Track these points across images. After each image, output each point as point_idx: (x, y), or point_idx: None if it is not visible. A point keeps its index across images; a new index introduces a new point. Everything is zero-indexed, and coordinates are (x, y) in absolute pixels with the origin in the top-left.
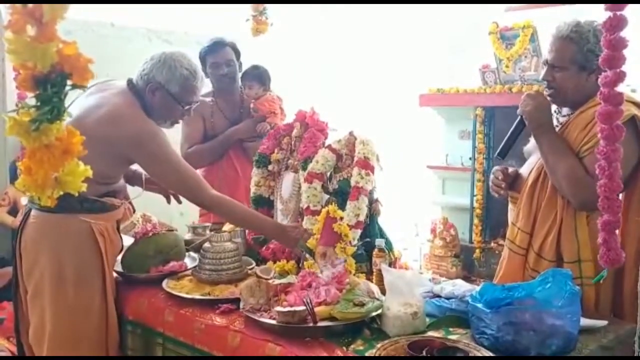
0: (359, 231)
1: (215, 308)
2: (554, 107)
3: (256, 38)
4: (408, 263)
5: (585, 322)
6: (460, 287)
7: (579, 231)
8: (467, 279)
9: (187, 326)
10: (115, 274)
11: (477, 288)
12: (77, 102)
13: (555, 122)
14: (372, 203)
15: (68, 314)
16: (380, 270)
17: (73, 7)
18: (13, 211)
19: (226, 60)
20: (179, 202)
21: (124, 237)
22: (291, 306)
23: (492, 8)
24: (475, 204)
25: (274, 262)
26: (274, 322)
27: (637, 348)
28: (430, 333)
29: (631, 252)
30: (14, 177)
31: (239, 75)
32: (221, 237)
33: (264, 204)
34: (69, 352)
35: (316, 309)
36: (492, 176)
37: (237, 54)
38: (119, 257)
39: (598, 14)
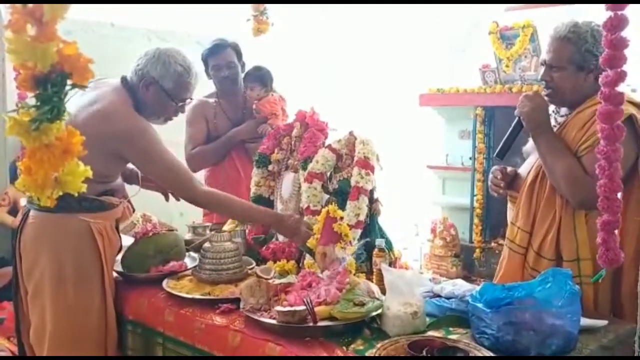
0: (359, 231)
1: (216, 308)
2: (552, 107)
3: (257, 38)
4: (408, 263)
5: (585, 321)
6: (461, 286)
7: (577, 230)
8: (467, 278)
9: (187, 326)
10: (115, 274)
11: (477, 288)
12: (71, 101)
13: (553, 122)
14: (372, 203)
15: (68, 314)
16: (380, 270)
17: (73, 7)
18: (13, 211)
19: (227, 62)
20: (177, 199)
21: (124, 237)
22: (291, 306)
23: (492, 8)
24: (476, 204)
25: (274, 262)
26: (274, 321)
27: (637, 348)
28: (431, 333)
29: (629, 251)
30: (14, 177)
31: (241, 76)
32: (221, 237)
33: (264, 203)
34: (69, 352)
35: (316, 309)
36: (490, 175)
37: (239, 54)
38: (119, 257)
39: (598, 13)
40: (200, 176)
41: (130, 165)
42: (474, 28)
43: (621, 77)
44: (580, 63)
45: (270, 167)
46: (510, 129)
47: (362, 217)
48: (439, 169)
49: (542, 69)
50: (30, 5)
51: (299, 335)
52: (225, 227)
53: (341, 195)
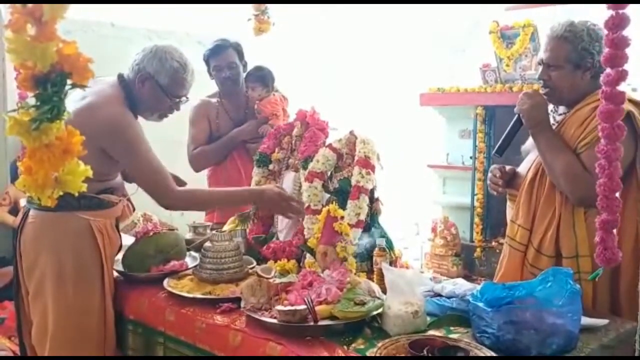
0: (360, 230)
1: (216, 307)
2: (550, 106)
3: (258, 38)
4: (409, 262)
5: (586, 321)
6: (461, 286)
7: (576, 227)
8: (467, 277)
9: (188, 325)
10: (116, 274)
11: (478, 287)
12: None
13: (552, 121)
14: (373, 202)
15: (70, 313)
16: (381, 269)
17: (73, 7)
18: (14, 211)
19: (228, 62)
20: None
21: (124, 236)
22: (292, 305)
23: (493, 7)
24: (476, 203)
25: (275, 262)
26: (275, 321)
27: (637, 347)
28: (431, 332)
29: (627, 249)
30: (14, 177)
31: (243, 76)
32: (222, 236)
33: None
34: (70, 352)
35: (317, 308)
36: (489, 174)
37: (241, 54)
38: (120, 257)
39: (599, 12)
40: (202, 176)
41: None
42: (474, 28)
43: (622, 76)
44: (577, 61)
45: (270, 167)
46: (510, 126)
47: (362, 217)
48: (439, 168)
49: (539, 69)
50: (30, 5)
51: (299, 335)
52: (226, 227)
53: (342, 194)
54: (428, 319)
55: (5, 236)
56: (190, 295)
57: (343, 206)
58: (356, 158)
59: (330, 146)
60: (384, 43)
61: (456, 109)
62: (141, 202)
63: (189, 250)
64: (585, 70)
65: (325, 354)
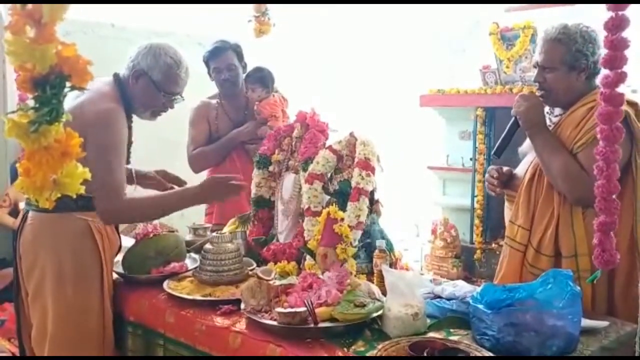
0: (360, 232)
1: (216, 309)
2: (546, 108)
3: (258, 39)
4: (409, 264)
5: (586, 323)
6: (461, 288)
7: (575, 226)
8: (468, 279)
9: (188, 327)
10: (116, 275)
11: (478, 289)
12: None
13: (548, 122)
14: (373, 204)
15: (69, 314)
16: (381, 271)
17: (73, 8)
18: (14, 212)
19: (227, 64)
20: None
21: (124, 238)
22: (292, 307)
23: (493, 9)
24: (476, 205)
25: (275, 263)
26: (275, 323)
27: (638, 349)
28: (431, 334)
29: (622, 250)
30: (14, 179)
31: (243, 77)
32: (222, 238)
33: (265, 204)
34: (69, 353)
35: (317, 310)
36: (487, 175)
37: (240, 56)
38: (120, 258)
39: (599, 14)
40: (201, 177)
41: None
42: (474, 29)
43: (621, 78)
44: (571, 63)
45: (270, 168)
46: (507, 128)
47: (362, 218)
48: (439, 169)
49: (535, 71)
50: (29, 7)
51: (299, 337)
52: (226, 228)
53: (342, 196)
54: (428, 321)
55: (5, 238)
56: (190, 297)
57: (343, 208)
58: (356, 160)
59: (330, 148)
60: (384, 44)
61: (456, 110)
62: None
63: (189, 252)
64: (580, 72)
65: (325, 355)
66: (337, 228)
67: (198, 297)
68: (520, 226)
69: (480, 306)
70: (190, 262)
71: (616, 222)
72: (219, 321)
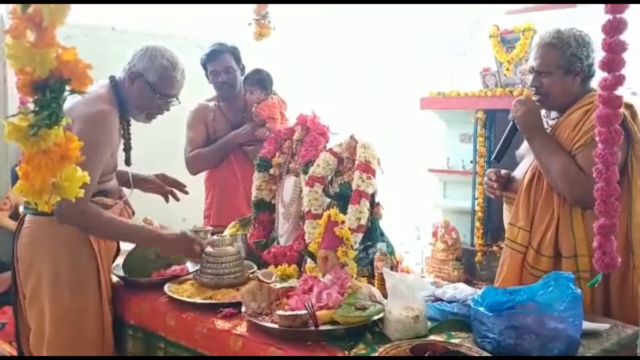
0: (361, 235)
1: (217, 312)
2: (543, 112)
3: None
4: (410, 266)
5: (587, 325)
6: (462, 290)
7: (574, 227)
8: (468, 282)
9: (188, 330)
10: (116, 278)
11: (479, 292)
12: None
13: (545, 126)
14: (374, 207)
15: (66, 317)
16: (381, 274)
17: (74, 11)
18: (15, 216)
19: (224, 67)
20: (177, 199)
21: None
22: (293, 310)
23: (493, 11)
24: (477, 207)
25: (276, 266)
26: (275, 326)
27: (639, 352)
28: (432, 337)
29: (618, 251)
30: (15, 182)
31: (241, 79)
32: (223, 241)
33: (265, 207)
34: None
35: (318, 313)
36: (485, 178)
37: (238, 58)
38: (121, 261)
39: (598, 15)
40: (199, 179)
41: (122, 169)
42: (474, 31)
43: (619, 80)
44: (567, 67)
45: (271, 171)
46: (506, 132)
47: (363, 221)
48: (440, 172)
49: (530, 76)
50: (30, 11)
51: (300, 340)
52: (227, 231)
53: (342, 199)
54: (429, 323)
55: (6, 240)
56: (191, 300)
57: (344, 211)
58: (357, 162)
59: (330, 150)
60: (384, 47)
61: (456, 113)
62: (142, 206)
63: None
64: (575, 75)
65: (326, 356)
66: (337, 231)
67: (199, 300)
68: (521, 228)
69: (482, 309)
70: (191, 265)
71: (616, 225)
72: (220, 324)
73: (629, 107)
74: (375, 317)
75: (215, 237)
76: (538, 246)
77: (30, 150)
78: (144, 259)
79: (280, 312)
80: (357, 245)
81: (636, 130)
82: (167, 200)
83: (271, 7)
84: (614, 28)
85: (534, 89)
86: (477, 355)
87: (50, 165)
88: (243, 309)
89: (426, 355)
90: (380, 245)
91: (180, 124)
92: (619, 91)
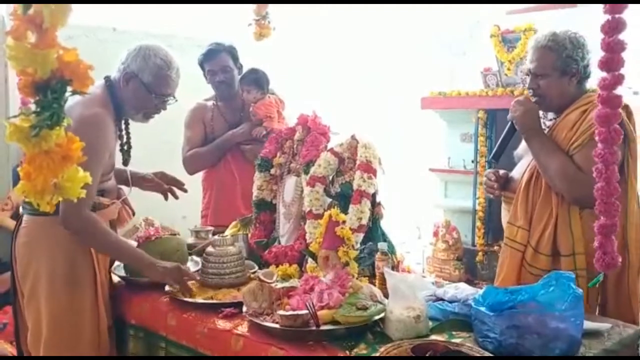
0: (362, 235)
1: (218, 312)
2: (540, 113)
3: (258, 42)
4: (411, 266)
5: (588, 325)
6: (463, 290)
7: (573, 225)
8: (470, 282)
9: (190, 330)
10: (117, 278)
11: (480, 291)
12: None
13: (542, 126)
14: (375, 206)
15: (63, 317)
16: (383, 274)
17: (74, 12)
18: (16, 216)
19: (221, 66)
20: (176, 197)
21: (126, 241)
22: (294, 310)
23: (494, 11)
24: (478, 207)
25: (277, 266)
26: (276, 326)
27: None
28: (433, 337)
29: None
30: (17, 182)
31: (238, 78)
32: (224, 241)
33: (266, 207)
34: (63, 355)
35: (319, 313)
36: (484, 178)
37: (235, 58)
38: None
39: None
40: (197, 178)
41: (121, 167)
42: (475, 31)
43: (619, 80)
44: (563, 68)
45: (272, 171)
46: (504, 133)
47: (364, 221)
48: (441, 172)
49: (527, 79)
50: (31, 12)
51: (301, 339)
52: (228, 231)
53: (343, 198)
54: (430, 323)
55: (8, 241)
56: (192, 300)
57: (345, 210)
58: (358, 162)
59: (331, 150)
60: (385, 47)
61: (457, 112)
62: (143, 206)
63: (191, 254)
64: (572, 76)
65: (327, 356)
66: (338, 231)
67: (200, 300)
68: (520, 227)
69: (483, 309)
70: (192, 265)
71: (617, 224)
72: (221, 324)
73: (625, 107)
74: (377, 317)
75: (216, 237)
76: (536, 244)
77: (31, 151)
78: None
79: (281, 312)
80: (358, 245)
81: (632, 130)
82: (166, 198)
83: (271, 7)
84: (612, 28)
85: (531, 91)
86: (478, 355)
87: (52, 166)
88: (244, 308)
89: (427, 355)
90: (382, 245)
91: (179, 123)
92: (619, 91)
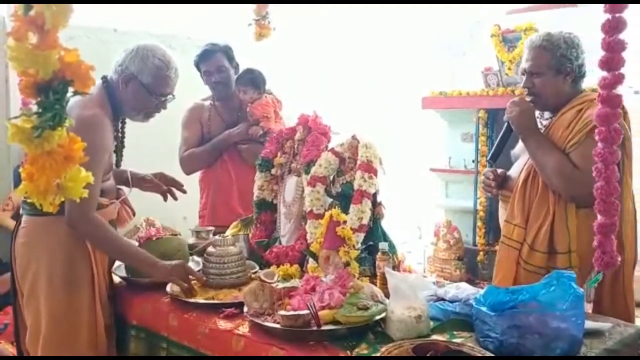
0: (363, 235)
1: (219, 312)
2: (537, 113)
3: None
4: (412, 266)
5: (589, 325)
6: (464, 290)
7: (569, 223)
8: (470, 281)
9: (191, 330)
10: (118, 279)
11: (481, 291)
12: None
13: (539, 126)
14: (376, 206)
15: (61, 316)
16: (383, 274)
17: (75, 13)
18: (17, 216)
19: (217, 67)
20: (175, 198)
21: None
22: (295, 310)
23: (494, 11)
24: (479, 207)
25: (278, 266)
26: (277, 326)
27: None
28: (435, 336)
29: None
30: (18, 183)
31: (234, 78)
32: (225, 241)
33: (267, 207)
34: (61, 354)
35: (320, 313)
36: (482, 177)
37: (230, 57)
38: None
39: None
40: (194, 178)
41: (121, 168)
42: (475, 31)
43: (619, 79)
44: (557, 67)
45: (273, 171)
46: (501, 133)
47: (365, 221)
48: (442, 171)
49: (523, 78)
50: (32, 14)
51: (302, 340)
52: (229, 231)
53: (344, 198)
54: (431, 323)
55: (9, 241)
56: (193, 301)
57: (345, 210)
58: (358, 162)
59: (332, 150)
60: (386, 47)
61: (458, 112)
62: (144, 207)
63: (191, 255)
64: (566, 75)
65: (328, 356)
66: (339, 231)
67: (201, 300)
68: (517, 225)
69: (484, 308)
70: (193, 265)
71: (616, 224)
72: (222, 324)
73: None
74: (378, 317)
75: (217, 237)
76: (532, 242)
77: (34, 151)
78: None
79: (282, 312)
80: (359, 245)
81: (627, 128)
82: (165, 199)
83: (271, 8)
84: (613, 27)
85: (526, 90)
86: (479, 355)
87: (55, 167)
88: (245, 309)
89: (428, 355)
90: (382, 245)
91: (178, 124)
92: (619, 90)
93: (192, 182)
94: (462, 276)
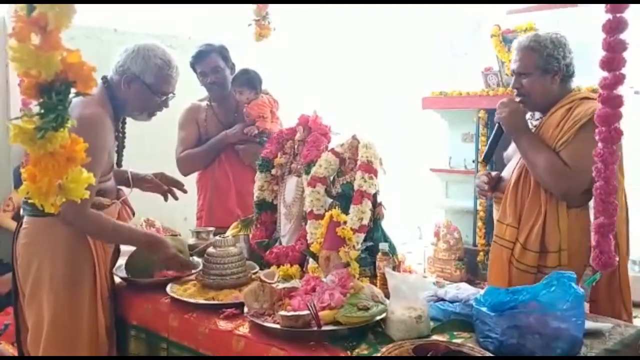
0: (363, 235)
1: (220, 313)
2: (528, 115)
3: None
4: (412, 266)
5: (589, 325)
6: (465, 290)
7: (560, 222)
8: (471, 282)
9: (191, 331)
10: (119, 279)
11: (481, 291)
12: None
13: (529, 126)
14: (376, 207)
15: (62, 317)
16: (384, 274)
17: (76, 13)
18: (17, 217)
19: (212, 67)
20: (176, 198)
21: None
22: (295, 310)
23: (494, 11)
24: (479, 207)
25: (278, 267)
26: (278, 326)
27: None
28: (435, 337)
29: None
30: (18, 183)
31: (230, 78)
32: (225, 241)
33: (267, 208)
34: (62, 354)
35: (320, 313)
36: (477, 180)
37: (225, 58)
38: (123, 262)
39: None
40: (192, 179)
41: (122, 168)
42: (475, 31)
43: (620, 79)
44: (544, 67)
45: (273, 171)
46: (492, 134)
47: (365, 221)
48: (442, 172)
49: (512, 79)
50: (34, 15)
51: (303, 340)
52: (229, 232)
53: (344, 199)
54: (431, 323)
55: (9, 241)
56: (194, 301)
57: (346, 211)
58: (359, 162)
59: (332, 151)
60: (386, 47)
61: (458, 112)
62: (144, 207)
63: (192, 255)
64: (554, 75)
65: (329, 356)
66: (340, 231)
67: (201, 300)
68: (509, 225)
69: (484, 309)
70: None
71: (615, 224)
72: (222, 325)
73: None
74: (378, 318)
75: (217, 237)
76: (525, 241)
77: (36, 152)
78: (147, 260)
79: (282, 312)
80: (359, 246)
81: None
82: (166, 199)
83: (271, 8)
84: (614, 27)
85: (515, 90)
86: (479, 355)
87: (57, 168)
88: (245, 309)
89: (429, 355)
90: (383, 246)
91: (177, 124)
92: (620, 90)
93: (192, 183)
94: (462, 276)
